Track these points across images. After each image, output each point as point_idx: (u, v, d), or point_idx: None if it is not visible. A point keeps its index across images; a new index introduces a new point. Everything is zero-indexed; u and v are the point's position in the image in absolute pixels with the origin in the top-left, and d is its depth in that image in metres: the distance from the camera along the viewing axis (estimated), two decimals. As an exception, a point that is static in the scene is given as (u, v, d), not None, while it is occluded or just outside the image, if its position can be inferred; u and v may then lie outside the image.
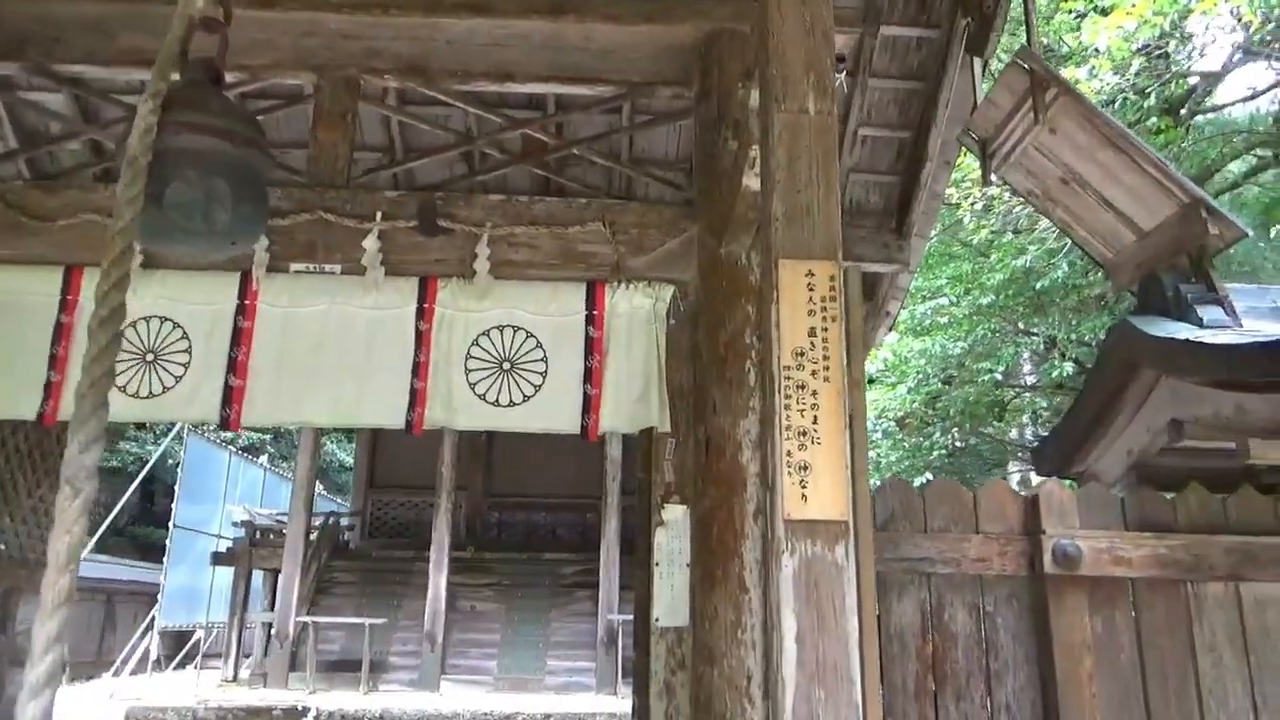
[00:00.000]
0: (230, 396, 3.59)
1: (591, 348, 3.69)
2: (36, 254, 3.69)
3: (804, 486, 2.18)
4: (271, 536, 14.88)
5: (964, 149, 5.39)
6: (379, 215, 3.73)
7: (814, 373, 2.27)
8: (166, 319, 3.66)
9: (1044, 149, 4.08)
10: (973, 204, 10.07)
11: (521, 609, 14.35)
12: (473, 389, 3.65)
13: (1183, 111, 10.07)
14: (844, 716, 2.05)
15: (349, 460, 26.26)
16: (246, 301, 3.68)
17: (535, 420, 3.64)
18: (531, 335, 3.72)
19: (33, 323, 3.63)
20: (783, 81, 2.48)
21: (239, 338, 3.65)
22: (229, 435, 23.55)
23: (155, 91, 2.41)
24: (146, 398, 3.58)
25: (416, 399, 3.61)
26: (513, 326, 3.73)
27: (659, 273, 3.80)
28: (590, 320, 3.73)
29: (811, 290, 2.33)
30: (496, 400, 3.64)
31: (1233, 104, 11.06)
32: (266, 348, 3.64)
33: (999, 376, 10.93)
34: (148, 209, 2.40)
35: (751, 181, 3.18)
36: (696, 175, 3.96)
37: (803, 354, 2.28)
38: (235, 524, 15.09)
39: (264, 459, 19.78)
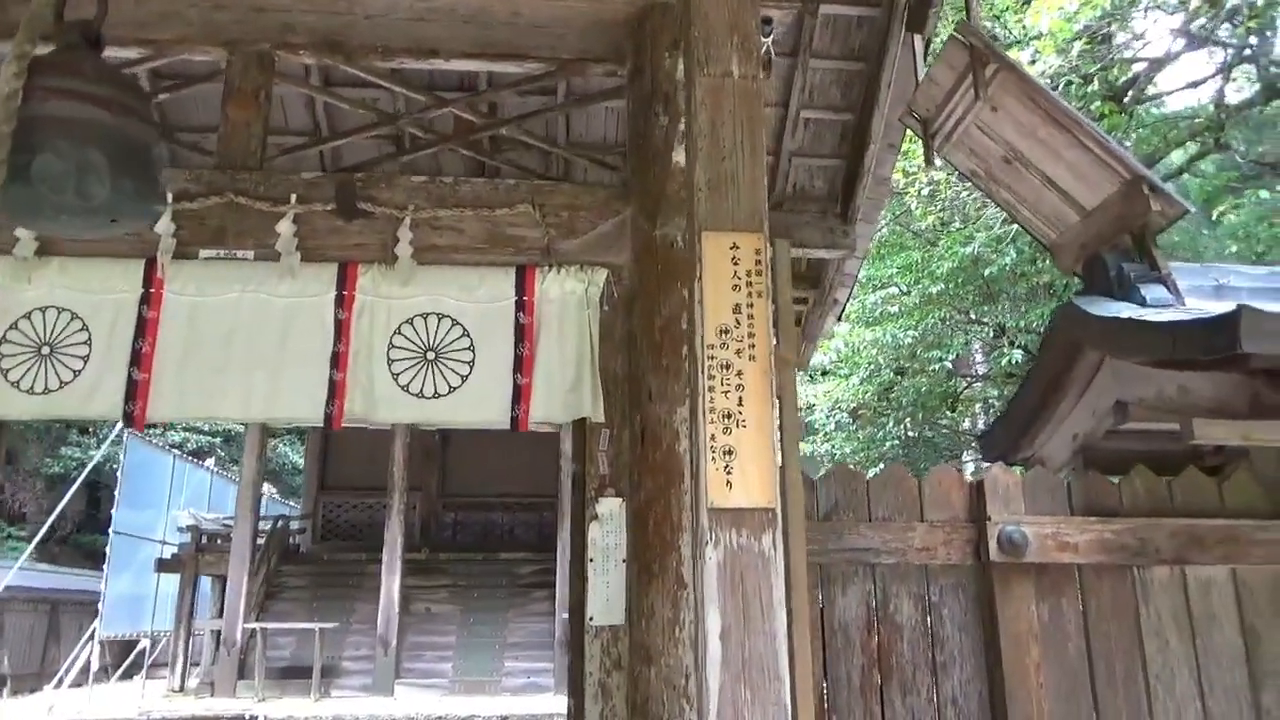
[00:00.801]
0: (134, 391, 3.36)
1: (522, 335, 3.53)
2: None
3: (729, 472, 2.04)
4: (219, 541, 14.48)
5: (910, 132, 5.31)
6: (294, 198, 3.53)
7: (739, 351, 2.13)
8: (64, 309, 3.42)
9: (986, 127, 3.99)
10: (919, 190, 10.01)
11: (478, 610, 14.12)
12: (395, 380, 3.46)
13: (1126, 99, 10.11)
14: (771, 717, 1.92)
15: (301, 462, 25.79)
16: (152, 290, 3.45)
17: (462, 412, 3.46)
18: (457, 323, 3.54)
19: None
20: (705, 44, 2.34)
21: (144, 328, 3.42)
22: (175, 439, 23.02)
23: (20, 54, 2.21)
24: (42, 393, 3.34)
25: (335, 392, 3.41)
26: (437, 314, 3.55)
27: (592, 256, 3.65)
28: (520, 306, 3.56)
29: (736, 264, 2.19)
30: (421, 392, 3.45)
31: (1174, 92, 11.17)
32: (173, 339, 3.42)
33: (949, 365, 10.88)
34: (16, 183, 2.20)
35: (681, 157, 3.06)
36: (630, 155, 3.81)
37: (727, 332, 2.15)
38: (180, 529, 14.66)
39: (211, 462, 19.30)
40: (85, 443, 23.98)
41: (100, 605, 13.62)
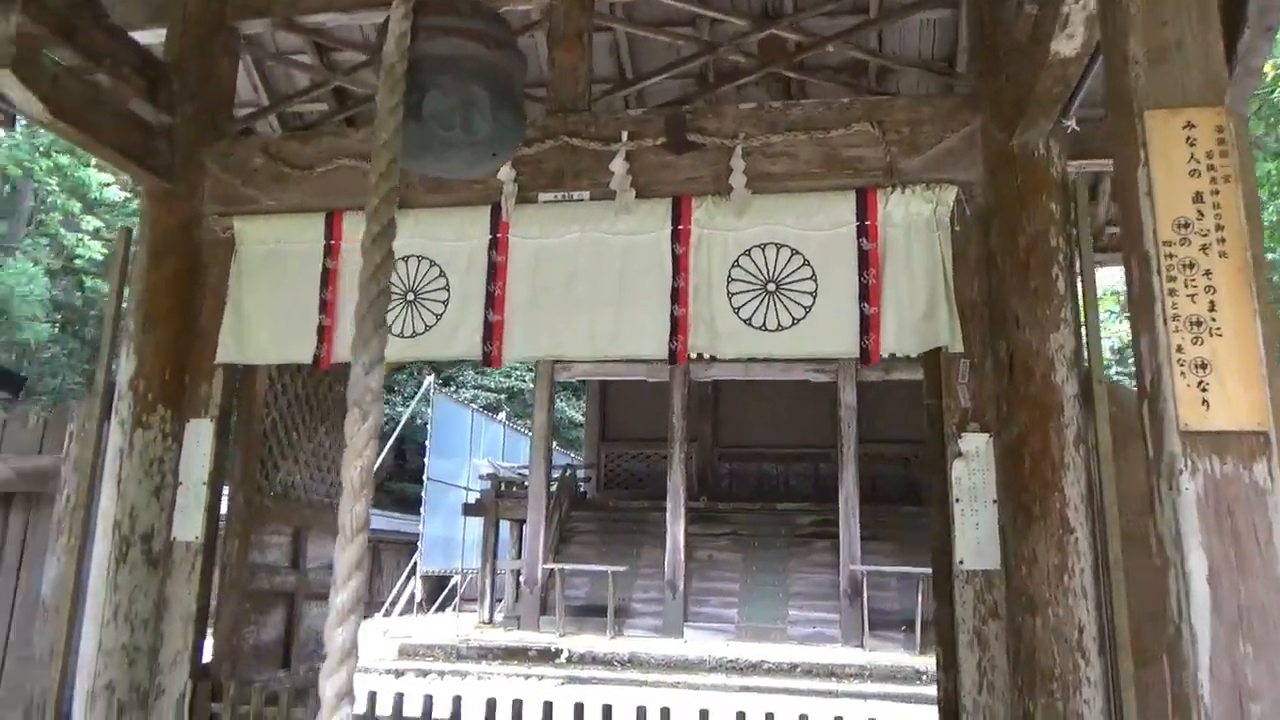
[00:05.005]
0: (490, 332, 3.50)
1: (866, 261, 3.30)
2: (298, 202, 3.75)
3: (1204, 389, 1.72)
4: (514, 489, 15.55)
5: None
6: (625, 135, 3.50)
7: (1204, 248, 1.78)
8: (423, 258, 3.62)
9: None
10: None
11: (759, 559, 14.18)
12: (737, 314, 3.35)
13: None
14: None
15: (576, 416, 27.14)
16: (499, 235, 3.57)
17: (807, 344, 3.30)
18: (797, 252, 3.37)
19: (301, 269, 3.70)
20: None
21: (494, 272, 3.54)
22: (467, 396, 24.94)
23: (408, -7, 2.26)
24: (410, 337, 3.56)
25: (678, 327, 3.37)
26: (776, 244, 3.39)
27: (938, 174, 3.34)
28: (862, 231, 3.33)
29: (1193, 145, 1.83)
30: (764, 324, 3.33)
31: None
32: (520, 281, 3.52)
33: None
34: (408, 122, 2.26)
35: (1063, 46, 2.67)
36: (975, 59, 3.45)
37: (1187, 225, 1.80)
38: (481, 477, 15.87)
39: (502, 416, 20.74)
40: (393, 400, 26.57)
41: (420, 544, 15.03)
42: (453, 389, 26.72)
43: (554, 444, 23.46)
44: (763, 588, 13.72)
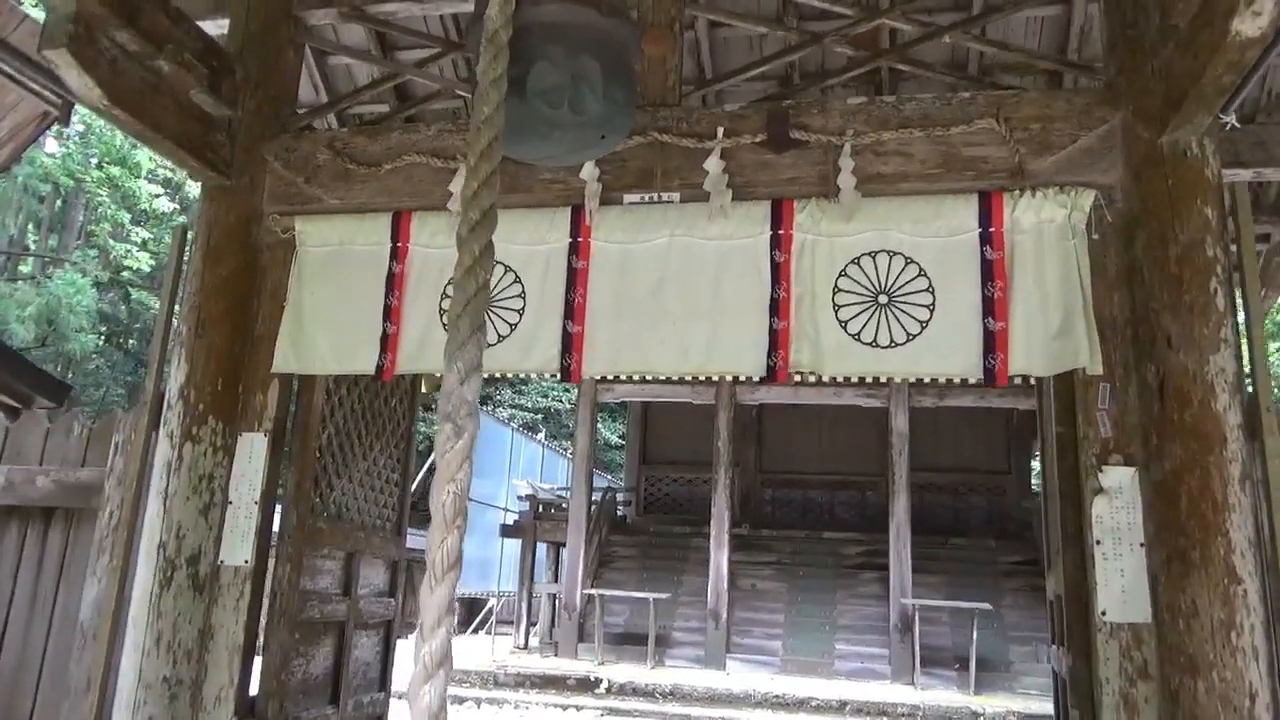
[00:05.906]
0: (570, 344, 3.20)
1: (990, 272, 2.97)
2: (363, 201, 3.50)
3: None
4: (552, 510, 15.21)
5: None
6: (720, 131, 3.20)
7: None
8: (498, 262, 3.33)
9: None
10: None
11: (804, 589, 13.73)
12: (844, 328, 3.03)
13: None
14: None
15: (613, 438, 26.82)
16: (580, 239, 3.28)
17: (923, 363, 2.97)
18: (912, 261, 3.05)
19: (365, 273, 3.44)
20: None
21: (574, 279, 3.25)
22: (506, 414, 24.73)
23: (513, -49, 1.98)
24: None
25: (778, 341, 3.05)
26: (888, 251, 3.07)
27: (1072, 176, 3.01)
28: (986, 239, 3.00)
29: None
30: (874, 340, 3.00)
31: None
32: (603, 289, 3.23)
33: None
34: (509, 98, 1.97)
35: (1246, 24, 2.34)
36: (1114, 51, 3.12)
37: None
38: (520, 498, 15.56)
39: (541, 436, 20.48)
40: (428, 417, 26.42)
41: (456, 565, 14.71)
42: (490, 407, 26.53)
43: (590, 466, 23.19)
44: (808, 619, 13.25)
